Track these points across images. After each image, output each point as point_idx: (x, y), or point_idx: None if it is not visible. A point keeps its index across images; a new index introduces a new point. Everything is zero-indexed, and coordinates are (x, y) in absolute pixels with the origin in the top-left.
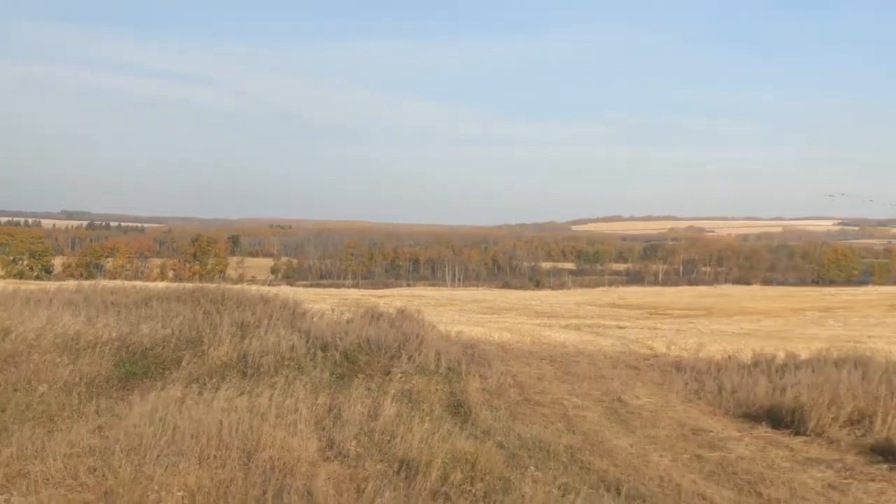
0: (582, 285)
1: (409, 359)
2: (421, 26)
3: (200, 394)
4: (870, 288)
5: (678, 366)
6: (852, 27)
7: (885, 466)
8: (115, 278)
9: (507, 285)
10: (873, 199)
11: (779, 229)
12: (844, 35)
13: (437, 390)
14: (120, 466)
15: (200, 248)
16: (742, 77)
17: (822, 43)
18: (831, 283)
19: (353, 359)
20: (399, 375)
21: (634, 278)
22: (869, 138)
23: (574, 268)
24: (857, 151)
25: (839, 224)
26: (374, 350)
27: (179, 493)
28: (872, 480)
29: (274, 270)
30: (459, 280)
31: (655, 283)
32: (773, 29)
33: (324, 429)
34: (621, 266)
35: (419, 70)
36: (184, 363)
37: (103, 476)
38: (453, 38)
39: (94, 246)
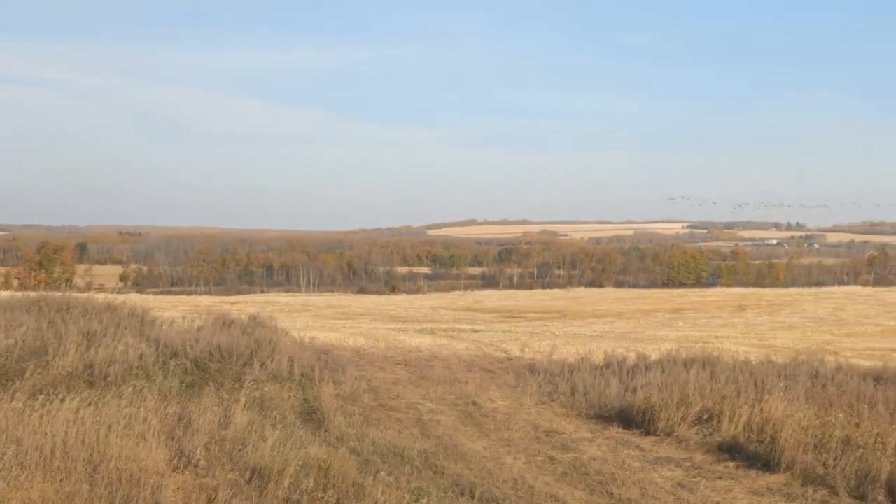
0: (438, 289)
1: (261, 366)
2: (275, 29)
3: (45, 405)
4: (717, 289)
5: (532, 368)
6: (693, 33)
7: (731, 464)
8: None
9: (362, 290)
10: (716, 201)
11: (630, 232)
12: (692, 41)
13: (290, 397)
14: None
15: (46, 257)
16: (595, 82)
17: (672, 48)
18: (681, 284)
19: (204, 367)
20: (251, 383)
21: (490, 282)
22: (716, 142)
23: (430, 272)
24: (704, 155)
25: (688, 227)
26: (226, 357)
27: None
28: (720, 478)
29: (123, 278)
30: (314, 286)
31: (510, 286)
32: (621, 36)
33: (173, 438)
34: (477, 270)
35: (269, 74)
36: (27, 374)
37: None
38: (306, 42)
39: None
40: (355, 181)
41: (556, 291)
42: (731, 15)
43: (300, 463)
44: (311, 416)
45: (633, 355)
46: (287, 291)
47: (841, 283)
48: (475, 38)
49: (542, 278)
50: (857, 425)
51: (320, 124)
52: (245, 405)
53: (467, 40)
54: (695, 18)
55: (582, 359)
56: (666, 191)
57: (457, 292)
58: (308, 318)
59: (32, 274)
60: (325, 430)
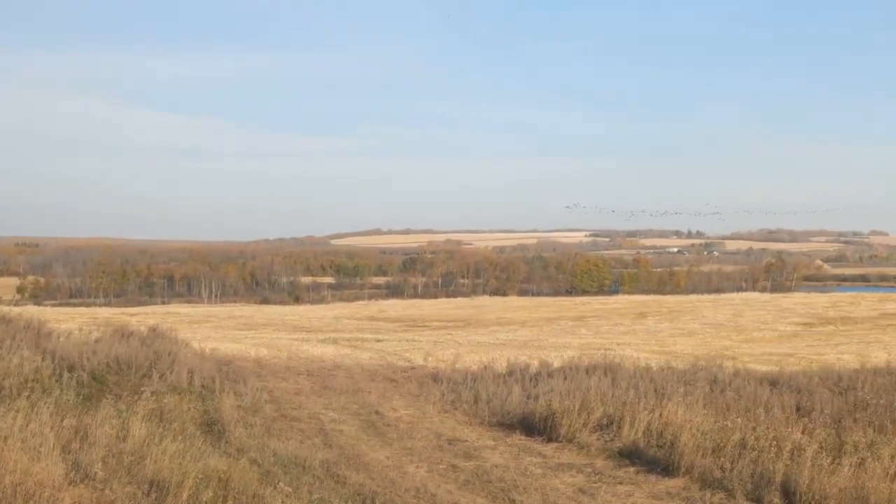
0: (342, 299)
1: (160, 377)
2: (167, 38)
3: None
4: (619, 297)
5: (435, 377)
6: (597, 42)
7: (632, 469)
8: None
9: (265, 301)
10: (615, 209)
11: (534, 241)
12: (596, 50)
13: (190, 409)
14: None
15: None
16: (499, 91)
17: (576, 57)
18: (584, 292)
19: (102, 379)
20: (150, 395)
21: (394, 291)
22: (616, 150)
23: (334, 282)
24: (605, 164)
25: (591, 235)
26: (125, 369)
27: None
28: (620, 483)
29: (20, 290)
30: (216, 296)
31: (415, 295)
32: (528, 46)
33: (70, 452)
34: (381, 279)
35: (168, 84)
36: None
37: None
38: (206, 51)
39: None
40: (258, 191)
41: (460, 300)
42: (634, 23)
43: (200, 475)
44: (212, 427)
45: (535, 363)
46: (189, 302)
47: (739, 289)
48: (381, 48)
49: (446, 287)
50: (754, 429)
51: (222, 134)
52: (144, 417)
53: (374, 50)
54: (599, 27)
55: (485, 367)
56: (569, 199)
57: (361, 302)
58: (209, 329)
59: None
60: (226, 442)
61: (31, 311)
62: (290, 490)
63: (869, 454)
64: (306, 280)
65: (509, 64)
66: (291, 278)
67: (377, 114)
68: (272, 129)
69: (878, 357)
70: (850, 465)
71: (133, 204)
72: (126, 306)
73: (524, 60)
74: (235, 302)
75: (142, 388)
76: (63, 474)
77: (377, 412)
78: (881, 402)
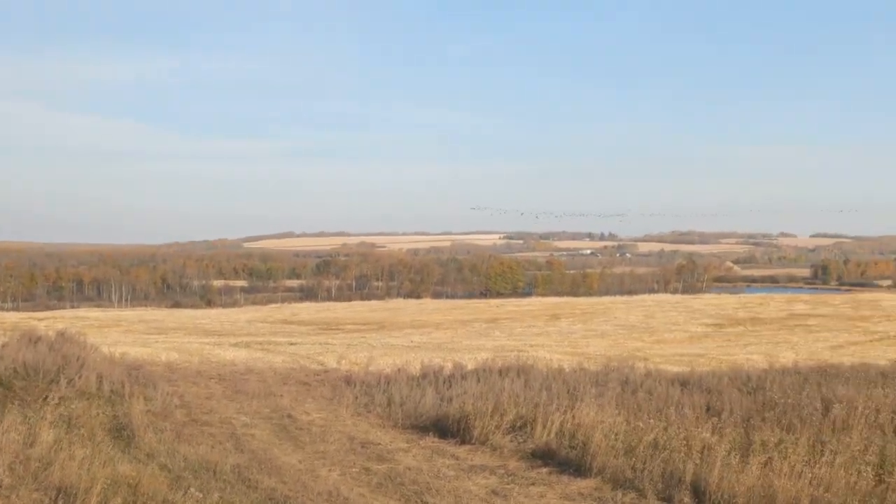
0: (254, 302)
1: (69, 383)
2: (85, 39)
3: None
4: (533, 299)
5: (349, 380)
6: (509, 46)
7: (544, 470)
8: None
9: (177, 304)
10: (524, 211)
11: (448, 244)
12: (508, 53)
13: (99, 414)
14: None
15: None
16: (408, 92)
17: (488, 60)
18: (498, 294)
19: (8, 385)
20: (58, 400)
21: (308, 294)
22: (527, 154)
23: (247, 285)
24: (516, 167)
25: (505, 238)
26: (32, 375)
27: None
28: (533, 485)
29: None
30: (127, 300)
31: (328, 298)
32: (442, 48)
33: None
34: (294, 282)
35: (75, 85)
36: None
37: None
38: (116, 52)
39: None
40: (169, 194)
41: (374, 303)
42: (547, 27)
43: (108, 481)
44: (121, 432)
45: (449, 365)
46: (99, 307)
47: (651, 291)
48: (292, 48)
49: (360, 290)
50: (665, 429)
51: (133, 136)
52: (51, 423)
53: (285, 50)
54: (512, 31)
55: (399, 370)
56: (480, 202)
57: (274, 305)
58: (119, 333)
59: None
60: (135, 447)
61: None
62: (201, 495)
63: (776, 453)
64: (219, 283)
65: (420, 67)
66: (203, 282)
67: (289, 116)
68: (183, 132)
69: (786, 357)
70: (758, 463)
71: (41, 207)
72: (34, 311)
73: (435, 63)
74: (146, 306)
75: (49, 394)
76: None
77: (290, 416)
78: (789, 401)
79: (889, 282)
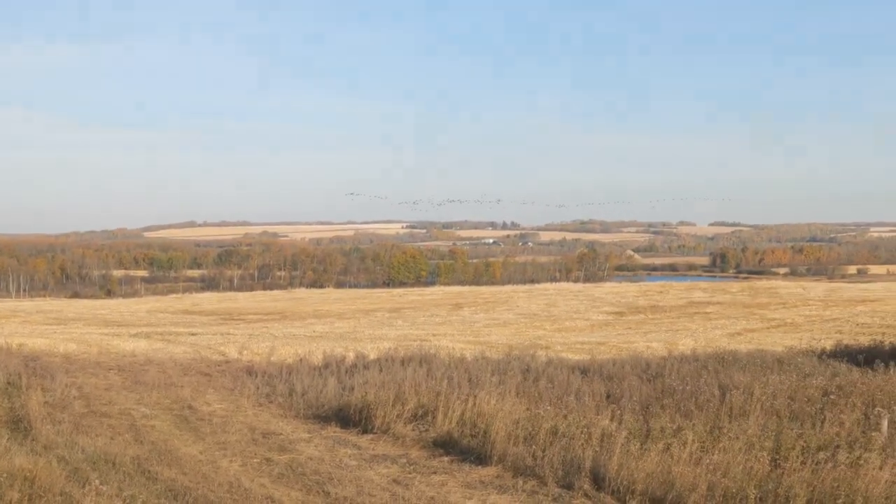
0: (155, 293)
1: None
2: None
3: None
4: (436, 288)
5: (250, 370)
6: (416, 31)
7: (446, 459)
8: None
9: (76, 295)
10: (417, 200)
11: (351, 233)
12: (415, 39)
13: None
14: None
15: None
16: (317, 81)
17: (393, 46)
18: (401, 284)
19: None
20: None
21: (210, 284)
22: (430, 141)
23: (147, 275)
24: (421, 155)
25: (408, 227)
26: None
27: None
28: (434, 473)
29: None
30: (25, 291)
31: (231, 288)
32: (344, 35)
33: None
34: (196, 272)
35: None
36: None
37: None
38: (6, 38)
39: None
40: (67, 184)
41: (276, 293)
42: (456, 14)
43: (4, 474)
44: (18, 425)
45: (351, 355)
46: None
47: (553, 279)
48: (197, 37)
49: (263, 280)
50: (565, 417)
51: (29, 125)
52: None
53: (189, 40)
54: (418, 17)
55: (301, 359)
56: (379, 191)
57: (175, 295)
58: (17, 324)
59: None
60: (33, 439)
61: None
62: (103, 488)
63: (675, 439)
64: (119, 273)
65: (316, 51)
66: (103, 272)
67: (190, 106)
68: (81, 120)
69: (685, 344)
70: (657, 450)
71: None
72: None
73: (331, 51)
74: (45, 296)
75: None
76: None
77: (190, 407)
78: (687, 388)
79: (786, 269)
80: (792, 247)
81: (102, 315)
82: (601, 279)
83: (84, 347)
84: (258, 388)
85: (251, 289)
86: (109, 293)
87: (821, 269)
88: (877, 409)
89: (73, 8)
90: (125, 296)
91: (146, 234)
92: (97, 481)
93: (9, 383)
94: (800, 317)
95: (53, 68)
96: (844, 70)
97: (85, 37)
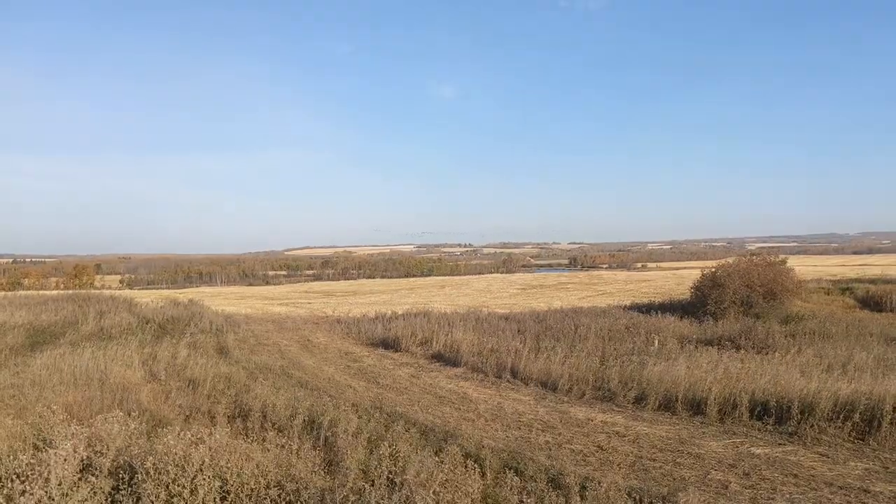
0: (290, 282)
1: (194, 325)
2: None
3: (75, 351)
4: (430, 278)
5: (339, 321)
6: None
7: (438, 364)
8: (28, 290)
9: (250, 284)
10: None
11: (388, 250)
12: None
13: (209, 341)
14: (28, 393)
15: (78, 271)
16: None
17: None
18: (414, 276)
19: (164, 327)
20: (189, 335)
21: (317, 277)
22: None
23: (286, 274)
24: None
25: (418, 247)
26: (175, 321)
27: (62, 405)
28: (432, 371)
29: (121, 282)
30: (223, 282)
31: (329, 279)
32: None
33: (146, 365)
34: (310, 272)
35: None
36: (67, 335)
37: (18, 399)
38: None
39: (16, 271)
40: (243, 217)
41: (351, 282)
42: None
43: (214, 376)
44: (222, 350)
45: (388, 312)
46: (210, 286)
47: (491, 272)
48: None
49: (344, 275)
50: (497, 341)
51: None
52: (185, 346)
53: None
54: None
55: (363, 315)
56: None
57: (299, 283)
58: (221, 300)
59: (71, 281)
60: (229, 358)
61: (125, 293)
62: (264, 381)
63: (552, 352)
64: (272, 273)
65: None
66: (264, 272)
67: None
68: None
69: (557, 305)
70: (543, 358)
71: (181, 222)
72: (177, 288)
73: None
74: (234, 285)
75: (185, 331)
76: (143, 377)
77: (308, 339)
78: (558, 326)
79: (606, 265)
80: (609, 253)
81: (262, 294)
82: (514, 272)
83: (254, 311)
84: (343, 329)
85: (338, 279)
86: (267, 283)
87: (624, 265)
88: (651, 335)
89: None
90: (275, 284)
91: (284, 252)
92: (261, 378)
93: (216, 329)
94: (613, 290)
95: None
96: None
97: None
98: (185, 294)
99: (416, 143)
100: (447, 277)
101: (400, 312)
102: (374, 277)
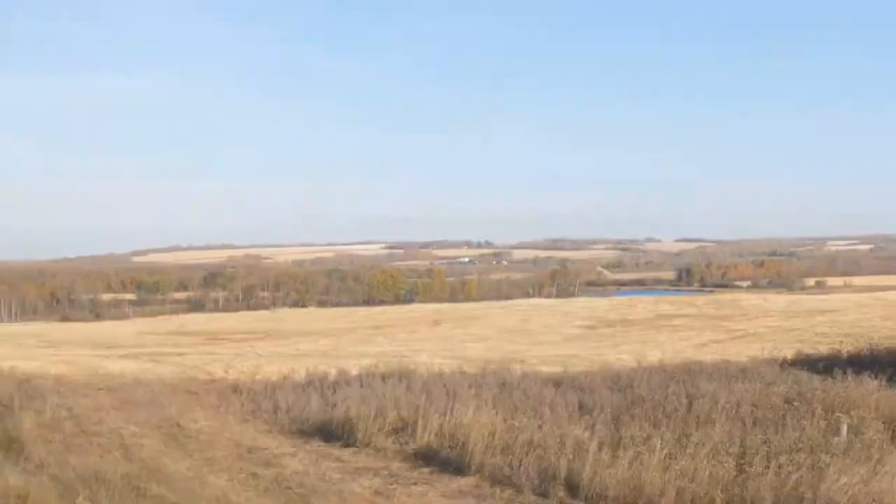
0: (143, 315)
1: None
2: None
3: None
4: (415, 305)
5: (235, 388)
6: (394, 53)
7: (426, 470)
8: None
9: (66, 318)
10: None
11: (331, 254)
12: (381, 62)
13: None
14: None
15: None
16: (295, 103)
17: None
18: (381, 302)
19: None
20: None
21: (196, 306)
22: (404, 163)
23: (135, 298)
24: (397, 177)
25: (386, 248)
26: None
27: None
28: (415, 484)
29: None
30: (16, 315)
31: (216, 309)
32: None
33: None
34: (182, 295)
35: None
36: None
37: None
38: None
39: None
40: (55, 210)
41: (261, 313)
42: (423, 35)
43: None
44: (11, 445)
45: (334, 371)
46: None
47: (527, 296)
48: (171, 65)
49: (247, 301)
50: (540, 427)
51: (22, 152)
52: None
53: (165, 64)
54: (394, 37)
55: (285, 377)
56: (363, 213)
57: (162, 317)
58: (9, 348)
59: None
60: (25, 459)
61: None
62: None
63: (644, 447)
64: (107, 297)
65: (295, 79)
66: (92, 296)
67: (164, 131)
68: (69, 148)
69: (654, 356)
70: (628, 458)
71: None
72: None
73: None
74: (35, 320)
75: None
76: None
77: (178, 425)
78: (655, 397)
79: (748, 283)
80: (753, 261)
81: (92, 337)
82: (572, 295)
83: (74, 369)
84: (243, 405)
85: (236, 310)
86: (98, 316)
87: (781, 282)
88: (836, 414)
89: (53, 38)
90: (114, 319)
91: (134, 259)
92: (87, 499)
93: (2, 405)
94: (762, 328)
95: (42, 96)
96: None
97: (62, 66)
98: None
99: (388, 48)
100: (445, 306)
101: (355, 373)
102: (305, 306)
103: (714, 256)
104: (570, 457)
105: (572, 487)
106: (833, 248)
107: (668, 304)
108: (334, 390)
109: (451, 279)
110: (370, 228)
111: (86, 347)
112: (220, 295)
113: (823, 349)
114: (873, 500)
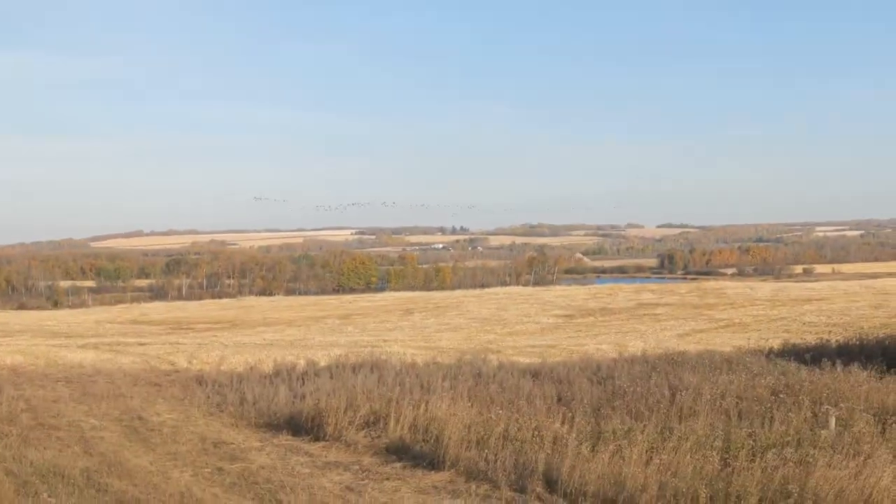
0: (103, 303)
1: None
2: None
3: None
4: (386, 294)
5: (200, 380)
6: (360, 39)
7: (398, 465)
8: None
9: (22, 306)
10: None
11: (300, 240)
12: (360, 49)
13: None
14: None
15: None
16: (264, 92)
17: (335, 57)
18: (351, 290)
19: None
20: None
21: (158, 294)
22: (379, 149)
23: (95, 286)
24: (369, 163)
25: (357, 234)
26: None
27: None
28: (387, 479)
29: None
30: None
31: (179, 297)
32: (283, 45)
33: None
34: (144, 282)
35: None
36: None
37: None
38: None
39: None
40: (12, 195)
41: (226, 301)
42: (401, 23)
43: None
44: None
45: (302, 362)
46: None
47: (503, 283)
48: (142, 49)
49: (212, 288)
50: (517, 420)
51: None
52: None
53: (134, 51)
54: (360, 25)
55: (251, 368)
56: (341, 200)
57: (123, 305)
58: None
59: None
60: None
61: None
62: (50, 500)
63: (626, 441)
64: (65, 284)
65: (263, 66)
66: (50, 282)
67: (134, 116)
68: (26, 131)
69: (635, 346)
70: (608, 452)
71: None
72: None
73: (274, 63)
74: None
75: None
76: None
77: (140, 417)
78: (637, 389)
79: (733, 270)
80: (739, 247)
81: (49, 326)
82: (551, 282)
83: (31, 359)
84: (208, 397)
85: (200, 298)
86: (56, 304)
87: (767, 269)
88: (824, 406)
89: (11, 16)
90: (72, 306)
91: (93, 245)
92: (46, 494)
93: None
94: (748, 316)
95: None
96: (785, 74)
97: (23, 45)
98: None
99: (346, 34)
100: (418, 294)
101: (324, 364)
102: (272, 294)
103: (698, 242)
104: (549, 451)
105: (550, 482)
106: (821, 234)
107: (650, 292)
108: (303, 382)
109: (424, 266)
110: (340, 214)
111: (43, 336)
112: (184, 282)
113: (811, 339)
114: (862, 496)
